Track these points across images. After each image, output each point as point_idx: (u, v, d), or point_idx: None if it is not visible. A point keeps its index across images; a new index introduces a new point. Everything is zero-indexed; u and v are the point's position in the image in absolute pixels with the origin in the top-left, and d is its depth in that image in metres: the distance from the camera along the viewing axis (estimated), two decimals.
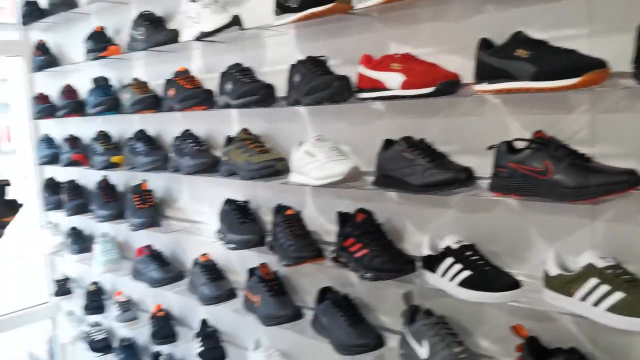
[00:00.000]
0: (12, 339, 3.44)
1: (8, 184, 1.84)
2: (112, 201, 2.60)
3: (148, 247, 2.50)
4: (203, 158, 2.10)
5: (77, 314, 3.17)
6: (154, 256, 2.46)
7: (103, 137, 2.65)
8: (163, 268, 2.41)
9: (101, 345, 2.85)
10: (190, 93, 2.09)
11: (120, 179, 2.74)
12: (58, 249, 3.06)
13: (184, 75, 2.19)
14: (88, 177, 2.95)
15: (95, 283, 2.94)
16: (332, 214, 1.85)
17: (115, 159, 2.51)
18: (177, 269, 2.42)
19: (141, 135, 2.44)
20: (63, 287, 3.08)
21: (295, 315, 1.87)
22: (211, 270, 2.19)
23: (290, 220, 1.83)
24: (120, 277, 2.69)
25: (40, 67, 2.93)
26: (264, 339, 2.17)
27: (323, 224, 1.92)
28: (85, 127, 2.92)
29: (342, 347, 1.69)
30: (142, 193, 2.43)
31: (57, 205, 2.94)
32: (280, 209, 1.91)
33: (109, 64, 2.65)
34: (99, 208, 2.61)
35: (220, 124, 2.22)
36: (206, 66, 2.26)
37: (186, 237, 2.44)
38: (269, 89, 1.84)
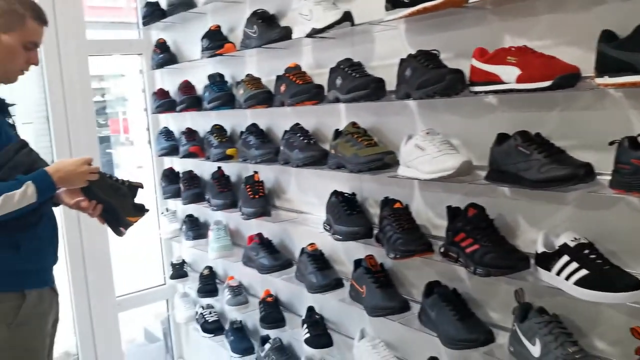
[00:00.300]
0: (130, 316, 3.73)
1: (141, 187, 2.00)
2: (225, 191, 2.75)
3: (259, 235, 2.62)
4: (312, 151, 2.17)
5: (191, 296, 3.39)
6: (264, 244, 2.57)
7: (218, 130, 2.80)
8: (272, 256, 2.52)
9: (213, 327, 3.03)
10: (301, 88, 2.16)
11: (233, 170, 2.88)
12: (175, 235, 3.27)
13: (295, 71, 2.27)
14: (203, 168, 3.13)
15: (208, 267, 3.12)
16: (440, 209, 1.86)
17: (229, 151, 2.65)
18: (286, 257, 2.52)
19: (253, 129, 2.56)
20: (179, 271, 3.29)
21: (403, 307, 1.90)
22: (318, 260, 2.26)
23: (398, 214, 1.85)
24: (231, 262, 2.84)
25: (160, 64, 3.14)
26: (369, 328, 2.22)
27: (431, 218, 1.93)
28: (201, 121, 3.10)
29: (450, 341, 1.69)
30: (254, 184, 2.55)
31: (175, 194, 3.15)
32: (387, 202, 1.94)
33: (223, 61, 2.79)
34: (213, 197, 2.76)
35: (329, 118, 2.28)
36: (316, 61, 2.32)
37: (294, 226, 2.53)
38: (379, 83, 1.87)
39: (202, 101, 2.87)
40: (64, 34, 3.06)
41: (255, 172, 2.59)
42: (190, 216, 3.22)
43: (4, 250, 1.84)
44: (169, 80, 3.35)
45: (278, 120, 2.56)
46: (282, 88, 2.27)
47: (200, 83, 3.00)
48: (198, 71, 3.05)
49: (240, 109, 2.57)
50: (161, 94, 3.20)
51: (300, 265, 2.33)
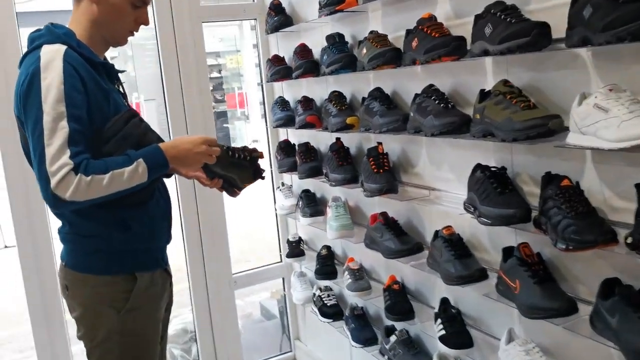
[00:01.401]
0: (245, 291, 3.60)
1: (262, 157, 1.83)
2: (345, 164, 2.48)
3: (383, 214, 2.33)
4: (450, 117, 1.83)
5: (308, 275, 3.18)
6: (390, 225, 2.28)
7: (337, 97, 2.52)
8: (399, 238, 2.22)
9: (332, 312, 2.80)
10: (437, 42, 1.82)
11: (353, 141, 2.60)
12: (291, 211, 3.07)
13: (429, 22, 1.92)
14: (320, 139, 2.87)
15: (326, 247, 2.88)
16: (624, 187, 1.45)
17: (350, 120, 2.37)
18: (415, 241, 2.21)
19: (377, 94, 2.25)
20: (295, 249, 3.10)
21: (569, 308, 1.52)
22: (457, 246, 1.93)
23: (567, 194, 1.47)
24: (352, 243, 2.58)
25: (275, 27, 2.91)
26: (518, 329, 1.86)
27: (608, 199, 1.52)
28: (318, 88, 2.84)
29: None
30: (378, 156, 2.25)
31: (291, 168, 2.93)
32: (551, 179, 1.56)
33: (343, 19, 2.50)
34: (332, 171, 2.50)
35: (471, 77, 1.91)
36: (455, 10, 1.96)
37: (425, 206, 2.20)
38: (542, 28, 1.48)
39: (319, 66, 2.60)
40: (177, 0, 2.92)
41: (379, 143, 2.28)
42: (306, 191, 2.99)
43: (113, 230, 1.70)
44: (284, 46, 3.11)
45: (406, 82, 2.23)
46: (414, 43, 1.93)
47: (317, 46, 2.73)
48: (315, 33, 2.78)
49: (363, 71, 2.28)
50: (276, 61, 2.97)
51: (433, 252, 2.01)
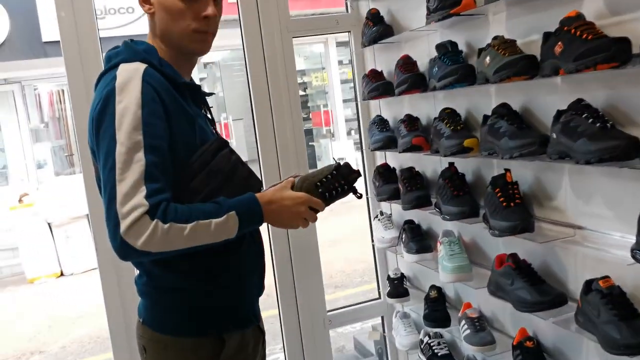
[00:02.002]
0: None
1: (359, 175, 1.53)
2: (462, 195, 2.10)
3: (513, 257, 1.93)
4: (611, 140, 1.43)
5: (411, 317, 2.81)
6: (522, 270, 1.87)
7: (449, 115, 2.16)
8: (535, 287, 1.81)
9: None
10: (592, 45, 1.43)
11: (467, 166, 2.22)
12: (391, 244, 2.72)
13: (577, 21, 1.53)
14: (425, 163, 2.52)
15: (436, 288, 2.51)
16: None
17: (468, 142, 2.00)
18: (557, 291, 1.79)
19: (504, 112, 1.87)
20: (398, 288, 2.74)
21: None
22: (620, 304, 1.51)
23: None
24: (470, 287, 2.19)
25: (374, 39, 2.59)
26: None
27: None
28: (423, 106, 2.49)
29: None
30: (506, 186, 1.86)
31: (392, 196, 2.58)
32: None
33: (454, 25, 2.14)
34: (445, 202, 2.14)
35: (636, 89, 1.50)
36: (610, 6, 1.56)
37: (568, 248, 1.79)
38: None
39: (426, 80, 2.26)
40: (266, 11, 2.68)
41: (507, 171, 1.90)
42: (410, 223, 2.64)
43: (195, 282, 1.43)
44: (382, 59, 2.80)
45: (541, 97, 1.84)
46: (557, 49, 1.55)
47: (422, 58, 2.39)
48: (419, 43, 2.45)
49: (483, 85, 1.91)
50: (374, 76, 2.65)
51: (585, 308, 1.60)
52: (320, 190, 1.45)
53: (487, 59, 1.83)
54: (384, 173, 2.71)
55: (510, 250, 1.98)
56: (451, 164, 2.20)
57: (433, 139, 2.22)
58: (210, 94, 1.57)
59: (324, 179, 1.47)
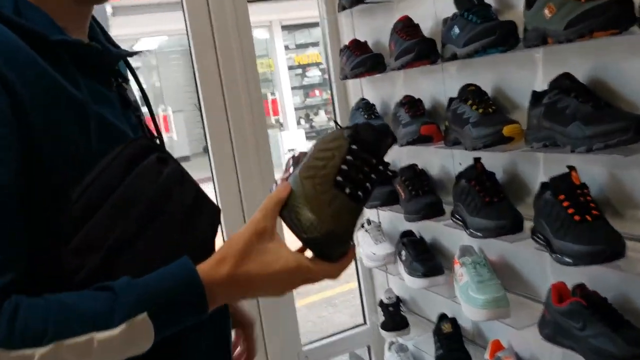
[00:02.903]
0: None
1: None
2: (496, 201, 1.53)
3: (581, 289, 1.38)
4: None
5: (410, 350, 2.25)
6: (598, 308, 1.32)
7: (474, 94, 1.58)
8: (620, 333, 1.27)
9: None
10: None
11: (497, 163, 1.66)
12: (384, 262, 2.14)
13: None
14: (431, 159, 1.95)
15: (449, 320, 1.95)
16: None
17: (510, 129, 1.43)
18: None
19: (570, 84, 1.31)
20: (394, 317, 2.16)
21: None
22: None
23: None
24: (507, 325, 1.63)
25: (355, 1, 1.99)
26: None
27: None
28: (424, 84, 1.91)
29: None
30: (574, 192, 1.30)
31: (386, 201, 2.00)
32: None
33: None
34: (473, 213, 1.56)
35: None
36: None
37: None
38: None
39: (436, 47, 1.68)
40: None
41: (571, 169, 1.34)
42: (408, 234, 2.06)
43: None
44: (363, 27, 2.20)
45: (626, 66, 1.29)
46: None
47: (425, 21, 1.81)
48: (417, 3, 1.86)
49: (530, 49, 1.35)
50: (357, 47, 2.05)
51: None
52: (346, 188, 0.81)
53: (548, 10, 1.26)
54: None
55: (563, 276, 1.43)
56: (477, 160, 1.62)
57: (450, 127, 1.64)
58: (132, 54, 0.92)
59: (343, 166, 0.82)
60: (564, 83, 1.32)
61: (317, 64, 11.22)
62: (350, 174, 0.80)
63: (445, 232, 1.93)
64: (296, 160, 0.94)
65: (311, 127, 11.18)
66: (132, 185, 0.74)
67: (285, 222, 0.80)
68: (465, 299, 1.65)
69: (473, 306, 1.61)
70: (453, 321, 1.94)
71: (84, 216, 0.71)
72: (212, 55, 2.09)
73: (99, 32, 0.88)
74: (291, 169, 0.92)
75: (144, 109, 0.95)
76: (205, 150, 2.22)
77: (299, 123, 10.66)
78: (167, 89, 10.17)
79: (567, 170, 1.34)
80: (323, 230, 0.77)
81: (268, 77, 10.79)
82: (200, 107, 2.14)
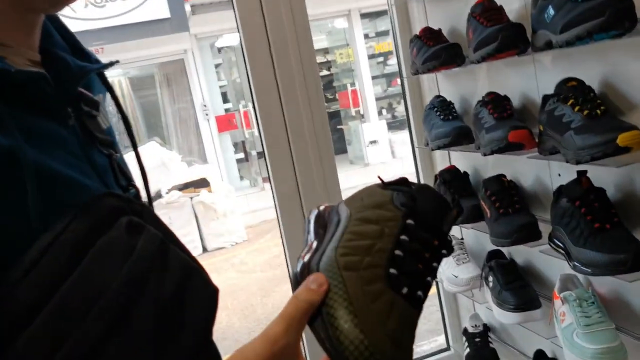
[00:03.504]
0: None
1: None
2: (609, 229, 1.20)
3: None
4: None
5: None
6: None
7: (577, 91, 1.25)
8: None
9: None
10: None
11: (607, 177, 1.31)
12: (470, 287, 1.84)
13: None
14: (518, 168, 1.63)
15: (543, 356, 1.63)
16: None
17: (627, 136, 1.09)
18: None
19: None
20: (482, 350, 1.86)
21: None
22: None
23: None
24: None
25: None
26: None
27: None
28: (510, 79, 1.59)
29: None
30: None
31: (472, 216, 1.69)
32: None
33: None
34: (579, 243, 1.23)
35: None
36: None
37: None
38: None
39: (523, 37, 1.36)
40: None
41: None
42: (497, 256, 1.75)
43: None
44: (436, 13, 1.89)
45: None
46: None
47: (511, 2, 1.49)
48: None
49: None
50: (430, 37, 1.75)
51: None
52: (403, 287, 0.56)
53: None
54: (453, 182, 1.82)
55: None
56: (582, 174, 1.29)
57: (546, 132, 1.32)
58: (106, 66, 0.68)
59: (397, 251, 0.58)
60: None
61: None
62: (407, 264, 0.56)
63: (534, 253, 1.60)
64: (321, 220, 0.67)
65: (393, 117, 10.81)
66: (89, 273, 0.51)
67: (315, 334, 0.55)
68: (570, 345, 1.33)
69: (581, 357, 1.28)
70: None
71: (18, 322, 0.49)
72: (265, 51, 1.87)
73: (58, 40, 0.66)
74: (311, 236, 0.65)
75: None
76: None
77: (380, 113, 10.30)
78: (248, 85, 10.18)
79: None
80: (377, 357, 0.52)
81: (349, 67, 10.52)
82: (255, 108, 1.94)
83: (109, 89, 0.71)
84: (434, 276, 0.60)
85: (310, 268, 0.59)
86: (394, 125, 10.37)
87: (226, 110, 9.81)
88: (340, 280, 0.56)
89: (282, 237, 1.98)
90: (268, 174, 1.97)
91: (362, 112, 9.88)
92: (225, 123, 9.53)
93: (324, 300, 0.55)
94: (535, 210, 1.54)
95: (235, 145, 9.89)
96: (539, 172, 1.55)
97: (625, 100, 1.23)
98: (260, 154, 10.38)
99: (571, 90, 1.25)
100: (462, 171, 1.86)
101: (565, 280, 1.46)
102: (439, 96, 1.87)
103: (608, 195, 1.27)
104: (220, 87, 9.87)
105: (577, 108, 1.21)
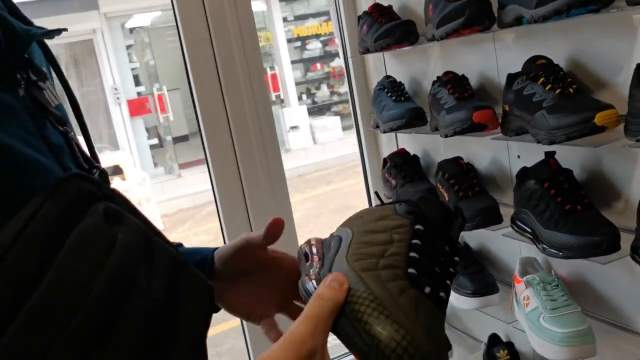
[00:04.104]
0: None
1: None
2: (580, 210, 1.17)
3: None
4: None
5: None
6: None
7: (547, 70, 1.21)
8: None
9: None
10: None
11: (573, 158, 1.29)
12: None
13: None
14: (474, 150, 1.59)
15: (503, 344, 1.61)
16: None
17: (604, 115, 1.06)
18: None
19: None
20: None
21: None
22: None
23: None
24: None
25: None
26: None
27: None
28: (466, 57, 1.54)
29: None
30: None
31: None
32: None
33: None
34: (549, 225, 1.20)
35: None
36: None
37: None
38: None
39: (490, 12, 1.30)
40: None
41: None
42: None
43: None
44: None
45: None
46: None
47: None
48: None
49: (623, 9, 0.98)
50: (382, 13, 1.67)
51: None
52: (426, 287, 0.52)
53: None
54: (404, 166, 1.76)
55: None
56: (550, 155, 1.26)
57: (512, 112, 1.27)
58: (52, 33, 0.54)
59: (412, 253, 0.54)
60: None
61: (318, 36, 10.75)
62: (425, 265, 0.53)
63: (493, 238, 1.57)
64: (319, 245, 0.63)
65: (313, 102, 10.76)
66: (67, 271, 0.40)
67: (340, 338, 0.48)
68: (536, 330, 1.30)
69: (549, 341, 1.26)
70: (508, 346, 1.60)
71: None
72: (202, 26, 1.72)
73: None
74: (312, 258, 0.60)
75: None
76: None
77: (300, 98, 10.22)
78: (162, 68, 9.73)
79: None
80: (417, 350, 0.46)
81: (267, 51, 10.34)
82: (190, 86, 1.79)
83: (52, 61, 0.58)
84: (452, 281, 0.57)
85: (322, 276, 0.55)
86: (314, 110, 10.33)
87: (138, 93, 9.36)
88: (360, 279, 0.52)
89: (220, 222, 1.84)
90: (205, 156, 1.83)
91: (282, 97, 9.76)
92: (137, 107, 9.11)
93: (345, 298, 0.50)
94: (492, 193, 1.50)
95: (148, 130, 9.48)
96: (497, 154, 1.52)
97: (593, 78, 1.20)
98: (177, 139, 10.02)
99: (541, 68, 1.21)
100: (411, 154, 1.80)
101: (526, 264, 1.44)
102: (388, 76, 1.80)
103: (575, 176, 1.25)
104: (132, 69, 9.39)
105: (548, 87, 1.17)
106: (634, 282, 1.21)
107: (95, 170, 0.53)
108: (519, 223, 1.33)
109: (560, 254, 1.18)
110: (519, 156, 1.45)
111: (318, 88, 10.80)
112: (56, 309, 0.38)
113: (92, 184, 0.46)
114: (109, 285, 0.40)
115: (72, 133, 0.53)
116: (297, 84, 10.06)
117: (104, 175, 0.53)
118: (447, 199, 1.51)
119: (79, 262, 0.40)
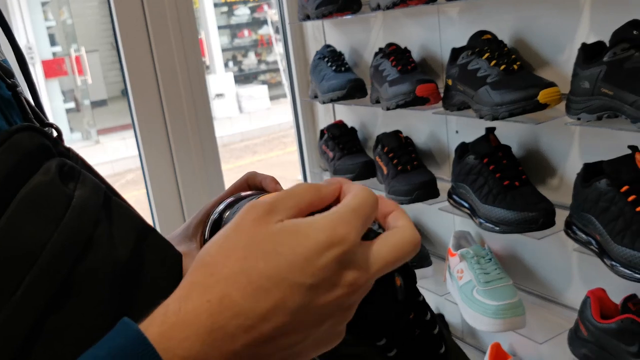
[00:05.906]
0: None
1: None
2: (518, 186, 1.20)
3: (633, 300, 1.08)
4: None
5: None
6: None
7: (492, 45, 1.21)
8: None
9: None
10: None
11: (511, 134, 1.31)
12: None
13: None
14: (413, 124, 1.59)
15: (438, 316, 1.64)
16: None
17: (547, 93, 1.08)
18: None
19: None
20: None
21: None
22: None
23: None
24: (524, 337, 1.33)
25: None
26: None
27: None
28: (409, 29, 1.52)
29: None
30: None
31: (362, 173, 1.63)
32: None
33: None
34: (486, 200, 1.22)
35: None
36: None
37: None
38: None
39: None
40: None
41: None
42: None
43: None
44: None
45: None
46: None
47: None
48: None
49: None
50: None
51: None
52: None
53: None
54: (342, 138, 1.73)
55: (598, 280, 1.13)
56: (490, 131, 1.27)
57: (456, 87, 1.27)
58: None
59: None
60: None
61: (245, 2, 10.48)
62: None
63: (428, 211, 1.59)
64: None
65: (240, 70, 10.54)
66: (15, 230, 0.35)
67: None
68: (470, 302, 1.33)
69: (481, 313, 1.29)
70: (440, 318, 1.63)
71: None
72: None
73: None
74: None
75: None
76: (124, 93, 1.76)
77: (226, 65, 9.98)
78: (80, 27, 9.18)
79: (629, 150, 1.01)
80: None
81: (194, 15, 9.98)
82: (117, 46, 1.67)
83: None
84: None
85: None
86: (241, 79, 10.12)
87: (54, 54, 8.80)
88: None
89: (147, 190, 1.76)
90: (132, 120, 1.73)
91: (207, 63, 9.48)
92: (53, 68, 8.57)
93: None
94: (429, 167, 1.51)
95: (64, 93, 8.96)
96: (435, 129, 1.52)
97: (537, 56, 1.22)
98: (95, 104, 9.54)
99: (486, 43, 1.21)
100: (349, 126, 1.78)
101: (459, 238, 1.46)
102: (328, 45, 1.75)
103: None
104: (48, 28, 8.80)
105: (493, 62, 1.18)
106: (565, 257, 1.25)
107: (47, 128, 0.47)
108: (456, 197, 1.35)
109: (497, 228, 1.20)
110: (457, 131, 1.46)
111: (245, 56, 10.58)
112: (2, 272, 0.34)
113: (46, 138, 0.40)
114: (61, 245, 0.36)
115: (20, 87, 0.47)
116: (223, 50, 9.80)
117: (59, 133, 0.47)
118: (385, 171, 1.51)
119: (28, 222, 0.35)
